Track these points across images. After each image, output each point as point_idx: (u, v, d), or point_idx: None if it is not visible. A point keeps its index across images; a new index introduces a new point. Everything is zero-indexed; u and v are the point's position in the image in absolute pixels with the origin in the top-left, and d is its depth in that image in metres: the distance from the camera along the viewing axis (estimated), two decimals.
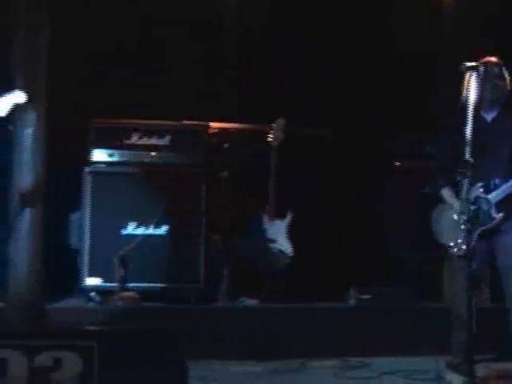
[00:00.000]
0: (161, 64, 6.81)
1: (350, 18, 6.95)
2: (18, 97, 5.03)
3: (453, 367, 5.25)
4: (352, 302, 6.32)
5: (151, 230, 6.41)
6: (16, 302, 5.73)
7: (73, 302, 6.26)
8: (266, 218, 6.59)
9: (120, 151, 6.49)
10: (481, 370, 5.06)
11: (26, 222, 5.92)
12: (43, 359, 4.04)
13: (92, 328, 4.59)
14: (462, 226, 4.74)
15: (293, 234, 6.57)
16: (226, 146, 6.82)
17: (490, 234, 5.21)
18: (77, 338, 4.13)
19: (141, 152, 6.51)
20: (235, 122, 6.91)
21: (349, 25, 6.94)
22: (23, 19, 5.81)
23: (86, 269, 6.32)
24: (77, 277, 6.33)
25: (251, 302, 6.42)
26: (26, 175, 5.96)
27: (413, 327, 6.01)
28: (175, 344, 4.24)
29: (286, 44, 6.96)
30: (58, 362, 4.05)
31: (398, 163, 6.76)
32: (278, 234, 6.59)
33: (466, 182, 4.75)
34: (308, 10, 6.94)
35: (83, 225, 6.36)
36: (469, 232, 4.74)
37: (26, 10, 5.79)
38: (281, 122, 6.60)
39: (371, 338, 5.97)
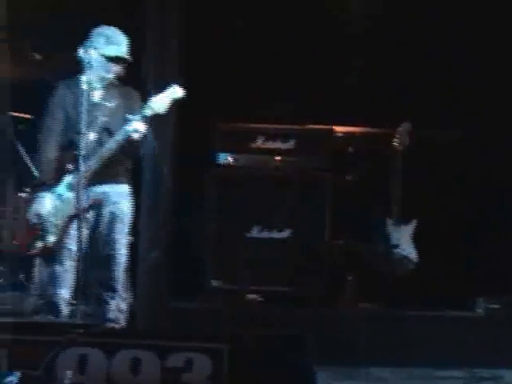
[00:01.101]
0: (285, 67, 6.80)
1: (479, 17, 6.77)
2: (175, 91, 5.07)
3: None
4: (480, 311, 6.18)
5: (275, 234, 6.42)
6: (143, 303, 5.82)
7: (198, 304, 6.31)
8: (390, 223, 6.51)
9: (245, 155, 6.52)
10: None
11: (152, 223, 6.02)
12: (175, 360, 4.07)
13: (222, 331, 4.62)
14: None
15: (418, 239, 6.46)
16: (350, 150, 6.77)
17: None
18: (207, 340, 4.15)
19: (265, 156, 6.53)
20: (360, 126, 6.85)
21: (477, 22, 6.75)
22: (156, 23, 5.91)
23: (210, 271, 6.38)
24: (202, 278, 6.39)
25: (373, 308, 6.34)
26: (152, 178, 6.06)
27: None
28: (303, 348, 4.22)
29: (412, 45, 6.84)
30: (188, 364, 4.08)
31: None
32: (403, 239, 6.49)
33: None
34: (435, 10, 6.80)
35: (208, 227, 6.42)
36: None
37: (158, 14, 5.90)
38: (407, 126, 6.51)
39: (500, 349, 5.80)
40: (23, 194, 6.49)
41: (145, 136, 5.07)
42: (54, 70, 6.34)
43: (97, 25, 5.13)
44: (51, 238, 5.03)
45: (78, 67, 4.95)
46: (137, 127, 4.99)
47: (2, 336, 3.99)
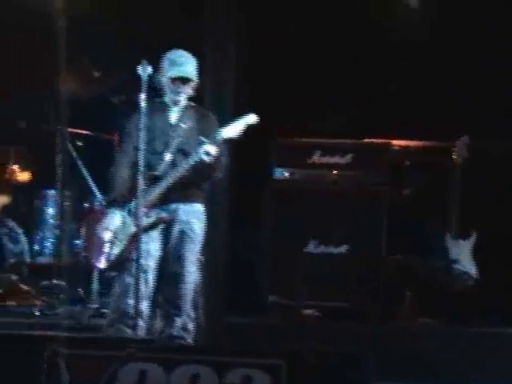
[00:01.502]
0: (343, 81, 6.78)
1: None
2: (250, 118, 5.16)
3: None
4: None
5: (332, 249, 6.39)
6: (199, 318, 5.82)
7: (254, 319, 6.30)
8: (449, 237, 6.43)
9: (302, 169, 6.51)
10: None
11: (209, 236, 6.02)
12: (233, 376, 4.05)
13: (281, 347, 4.60)
14: None
15: (478, 254, 6.37)
16: (407, 163, 6.72)
17: None
18: (266, 356, 4.13)
19: (322, 170, 6.51)
20: (417, 139, 6.79)
21: None
22: (211, 35, 5.95)
23: (267, 285, 6.37)
24: (258, 293, 6.38)
25: (432, 324, 6.26)
26: (209, 193, 6.06)
27: None
28: (361, 364, 4.18)
29: (469, 57, 6.77)
30: (247, 380, 4.06)
31: None
32: (462, 255, 6.41)
33: None
34: (491, 21, 6.71)
35: (265, 242, 6.42)
36: None
37: (213, 26, 5.94)
38: (465, 139, 6.44)
39: None
40: (90, 209, 6.61)
41: (218, 158, 5.10)
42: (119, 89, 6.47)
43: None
44: (119, 254, 5.09)
45: (147, 88, 4.99)
46: (209, 150, 5.04)
47: (63, 350, 4.04)
